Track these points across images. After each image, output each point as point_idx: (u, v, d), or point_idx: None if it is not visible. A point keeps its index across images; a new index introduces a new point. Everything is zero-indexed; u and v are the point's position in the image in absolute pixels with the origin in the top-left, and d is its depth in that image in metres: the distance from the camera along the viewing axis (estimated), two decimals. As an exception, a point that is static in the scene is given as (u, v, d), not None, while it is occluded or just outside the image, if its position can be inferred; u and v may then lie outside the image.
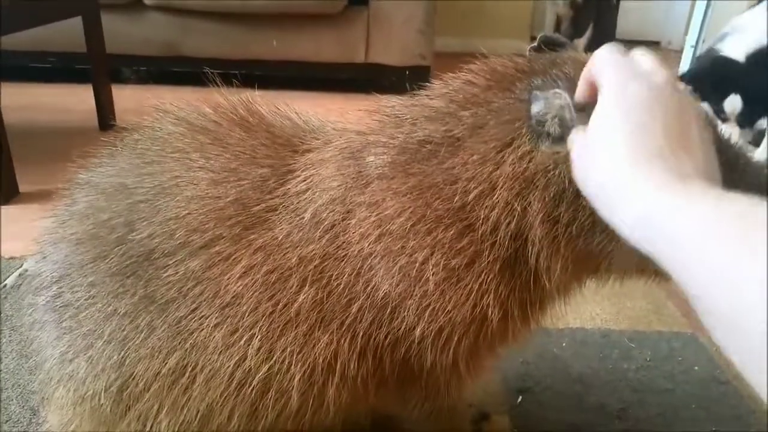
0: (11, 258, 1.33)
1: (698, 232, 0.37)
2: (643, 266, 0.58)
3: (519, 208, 0.58)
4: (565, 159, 0.55)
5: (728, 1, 2.90)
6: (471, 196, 0.60)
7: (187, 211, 0.65)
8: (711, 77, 2.06)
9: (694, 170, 0.44)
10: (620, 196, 0.45)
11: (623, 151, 0.46)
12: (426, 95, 0.67)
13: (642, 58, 0.52)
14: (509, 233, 0.59)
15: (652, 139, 0.45)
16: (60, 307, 0.67)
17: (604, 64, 0.51)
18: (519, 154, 0.58)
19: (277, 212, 0.65)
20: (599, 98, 0.50)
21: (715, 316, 0.36)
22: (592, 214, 0.55)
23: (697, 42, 2.34)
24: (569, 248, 0.57)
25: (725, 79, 2.04)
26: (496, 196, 0.59)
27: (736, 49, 1.99)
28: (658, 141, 0.45)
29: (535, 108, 0.57)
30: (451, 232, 0.60)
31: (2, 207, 1.60)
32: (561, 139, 0.56)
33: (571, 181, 0.56)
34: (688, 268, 0.38)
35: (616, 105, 0.48)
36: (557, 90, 0.55)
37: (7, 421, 0.90)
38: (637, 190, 0.44)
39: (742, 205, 0.37)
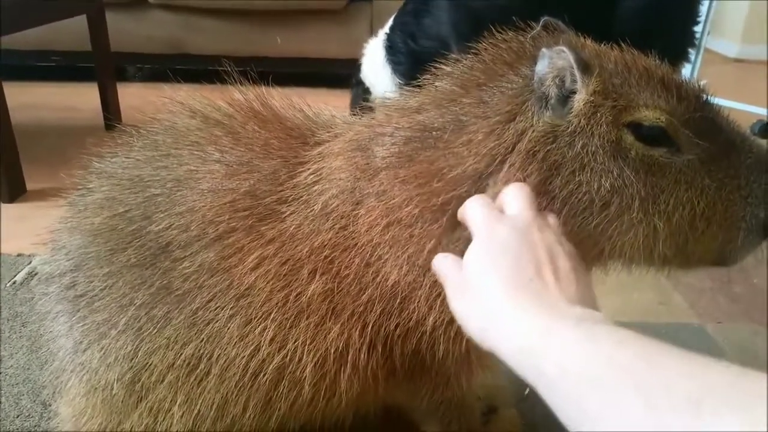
0: (20, 255, 1.34)
1: (566, 373, 0.40)
2: (648, 253, 0.58)
3: (520, 179, 0.58)
4: (564, 132, 0.57)
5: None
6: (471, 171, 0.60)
7: (202, 204, 0.65)
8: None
9: (566, 299, 0.47)
10: (498, 330, 0.47)
11: (497, 285, 0.49)
12: (431, 80, 0.68)
13: (511, 201, 0.55)
14: None
15: (523, 273, 0.48)
16: (74, 297, 0.68)
17: (473, 212, 0.55)
18: (520, 127, 0.59)
19: (289, 204, 0.65)
20: (472, 242, 0.53)
21: None
22: (589, 192, 0.56)
23: (701, 35, 2.33)
24: (567, 227, 0.57)
25: None
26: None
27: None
28: (528, 274, 0.48)
29: (539, 66, 0.57)
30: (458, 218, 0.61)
31: (11, 204, 1.62)
32: (562, 103, 0.57)
33: (569, 155, 0.57)
34: (558, 403, 0.41)
35: (486, 247, 0.52)
36: (563, 48, 0.56)
37: (18, 415, 0.91)
38: (512, 322, 0.46)
39: (609, 344, 0.39)
